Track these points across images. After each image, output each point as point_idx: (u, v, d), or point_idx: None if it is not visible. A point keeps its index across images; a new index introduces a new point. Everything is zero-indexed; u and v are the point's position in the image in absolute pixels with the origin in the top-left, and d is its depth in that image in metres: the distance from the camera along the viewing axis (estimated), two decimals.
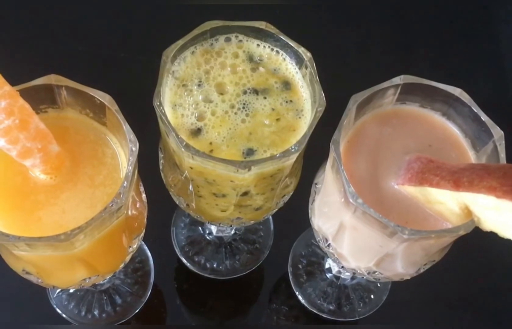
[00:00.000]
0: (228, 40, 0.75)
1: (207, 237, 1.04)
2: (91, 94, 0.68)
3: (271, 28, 0.73)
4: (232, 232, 1.04)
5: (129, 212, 0.70)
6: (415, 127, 0.75)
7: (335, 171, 0.69)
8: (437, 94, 0.73)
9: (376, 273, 0.78)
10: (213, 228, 1.03)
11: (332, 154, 0.69)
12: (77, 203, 0.68)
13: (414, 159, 0.71)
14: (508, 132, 0.70)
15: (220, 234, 1.04)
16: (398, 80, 0.72)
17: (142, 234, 0.79)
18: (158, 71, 0.70)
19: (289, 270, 1.04)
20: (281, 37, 0.73)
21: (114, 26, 1.28)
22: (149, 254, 1.03)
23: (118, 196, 0.63)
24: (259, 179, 0.70)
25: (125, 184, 0.63)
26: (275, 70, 0.75)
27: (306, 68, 0.72)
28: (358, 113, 0.72)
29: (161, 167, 0.81)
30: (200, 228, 1.05)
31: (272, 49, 0.75)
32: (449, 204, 0.67)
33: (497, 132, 0.70)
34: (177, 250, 1.03)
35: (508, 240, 0.62)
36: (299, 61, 0.74)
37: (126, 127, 0.66)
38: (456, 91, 0.72)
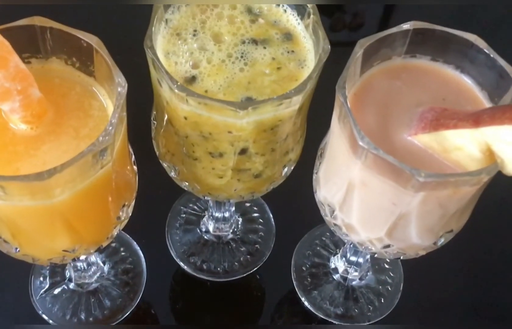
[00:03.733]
0: None
1: (204, 237, 0.97)
2: (78, 36, 0.63)
3: None
4: (231, 230, 0.97)
5: (116, 171, 0.64)
6: (426, 81, 0.70)
7: (342, 119, 0.63)
8: (450, 43, 0.68)
9: (389, 247, 0.71)
10: (210, 226, 0.97)
11: (338, 101, 0.63)
12: (60, 154, 0.62)
13: (427, 109, 0.66)
14: None
15: (218, 233, 0.97)
16: (408, 25, 0.67)
17: (131, 206, 0.72)
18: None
19: (292, 272, 0.97)
20: None
21: None
22: (141, 254, 0.96)
23: (104, 134, 0.57)
24: (259, 132, 0.64)
25: (112, 121, 0.57)
26: (275, 22, 0.70)
27: (309, 16, 0.68)
28: (365, 63, 0.67)
29: (153, 135, 0.75)
30: (197, 228, 0.98)
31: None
32: (468, 148, 0.61)
33: None
34: (171, 251, 0.96)
35: None
36: (301, 12, 0.69)
37: (114, 69, 0.61)
38: (471, 37, 0.67)
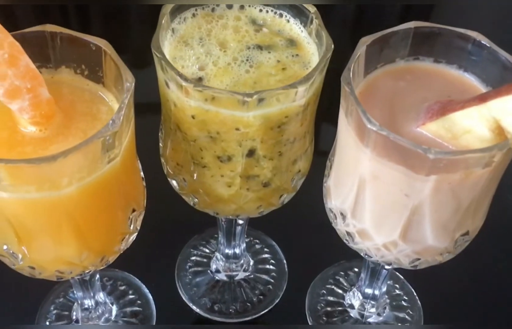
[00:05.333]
0: (229, 6, 0.73)
1: (215, 277, 0.95)
2: (87, 39, 0.65)
3: None
4: (242, 269, 0.95)
5: (123, 172, 0.64)
6: (431, 82, 0.70)
7: (349, 111, 0.63)
8: (451, 41, 0.69)
9: (405, 251, 0.69)
10: (221, 265, 0.95)
11: (344, 92, 0.64)
12: None
13: (434, 102, 0.66)
14: None
15: (229, 273, 0.94)
16: (410, 25, 0.68)
17: (140, 219, 0.71)
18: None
19: (307, 313, 0.93)
20: None
21: None
22: (150, 297, 0.93)
23: (111, 122, 0.57)
24: (266, 129, 0.64)
25: (121, 108, 0.58)
26: (279, 31, 0.72)
27: (312, 22, 0.69)
28: (369, 64, 0.68)
29: (161, 152, 0.76)
30: (207, 270, 0.96)
31: (275, 13, 0.73)
32: (477, 129, 0.60)
33: None
34: (181, 293, 0.93)
35: None
36: (304, 20, 0.71)
37: (122, 67, 0.62)
38: (473, 34, 0.68)
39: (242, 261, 0.95)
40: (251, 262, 0.97)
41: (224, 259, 0.94)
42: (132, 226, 0.69)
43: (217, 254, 0.95)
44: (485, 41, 0.68)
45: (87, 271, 0.69)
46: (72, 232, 0.62)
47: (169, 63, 0.62)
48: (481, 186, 0.63)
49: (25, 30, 0.65)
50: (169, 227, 1.00)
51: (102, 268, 0.71)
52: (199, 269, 0.96)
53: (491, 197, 0.68)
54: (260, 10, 0.73)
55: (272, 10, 0.73)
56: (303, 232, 1.02)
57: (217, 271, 0.95)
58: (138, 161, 0.72)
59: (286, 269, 0.98)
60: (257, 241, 1.00)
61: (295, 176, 0.74)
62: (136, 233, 0.72)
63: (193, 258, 0.98)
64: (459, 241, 0.69)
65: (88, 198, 0.61)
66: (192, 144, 0.67)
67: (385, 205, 0.66)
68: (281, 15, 0.73)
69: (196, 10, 0.72)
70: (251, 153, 0.66)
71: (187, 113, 0.64)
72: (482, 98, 0.59)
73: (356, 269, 0.98)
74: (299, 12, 0.71)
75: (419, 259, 0.70)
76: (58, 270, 0.67)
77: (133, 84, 0.61)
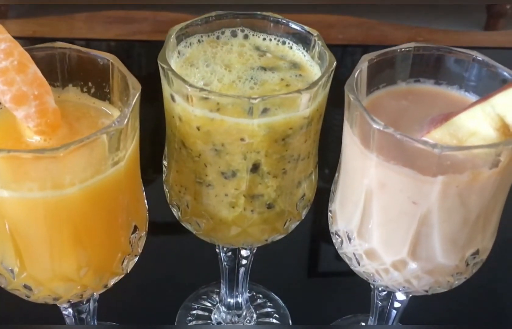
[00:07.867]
0: (234, 35, 0.75)
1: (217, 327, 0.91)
2: (95, 54, 0.66)
3: (276, 16, 0.74)
4: (245, 321, 0.91)
5: (127, 181, 0.63)
6: (433, 102, 0.71)
7: (353, 119, 0.64)
8: (451, 60, 0.71)
9: (414, 270, 0.67)
10: (223, 316, 0.91)
11: (347, 100, 0.64)
12: None
13: (437, 115, 0.66)
14: None
15: (231, 324, 0.91)
16: (410, 45, 0.70)
17: (142, 240, 0.69)
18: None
19: None
20: (285, 21, 0.74)
21: None
22: None
23: (117, 120, 0.57)
24: (270, 142, 0.64)
25: (127, 108, 0.58)
26: (282, 56, 0.74)
27: (314, 46, 0.71)
28: (371, 82, 0.70)
29: (164, 178, 0.75)
30: (209, 323, 0.93)
31: (278, 41, 0.75)
32: (483, 130, 0.60)
33: None
34: None
35: None
36: (307, 45, 0.73)
37: (129, 76, 0.63)
38: (472, 52, 0.70)
39: (244, 313, 0.92)
40: (254, 316, 0.94)
41: (226, 310, 0.91)
42: (133, 246, 0.67)
43: (219, 305, 0.92)
44: (483, 58, 0.69)
45: (85, 293, 0.67)
46: (72, 241, 0.61)
47: (175, 73, 0.63)
48: (489, 193, 0.62)
49: (35, 46, 0.66)
50: (170, 281, 0.98)
51: (101, 291, 0.68)
52: (200, 322, 0.93)
53: (499, 212, 0.67)
54: (264, 39, 0.75)
55: (275, 38, 0.75)
56: (307, 288, 1.00)
57: (219, 323, 0.91)
58: (142, 187, 0.71)
59: (291, 323, 0.94)
60: (260, 295, 0.98)
61: (299, 201, 0.73)
62: (137, 257, 0.70)
63: (194, 312, 0.95)
64: (469, 261, 0.68)
65: (90, 203, 0.60)
66: (197, 160, 0.67)
67: (393, 217, 0.65)
68: (284, 43, 0.75)
69: (201, 36, 0.74)
70: (255, 168, 0.66)
71: (192, 125, 0.64)
72: (484, 98, 0.60)
73: (363, 323, 0.95)
74: (301, 39, 0.73)
75: (430, 278, 0.68)
76: (55, 290, 0.64)
77: (140, 90, 0.62)
